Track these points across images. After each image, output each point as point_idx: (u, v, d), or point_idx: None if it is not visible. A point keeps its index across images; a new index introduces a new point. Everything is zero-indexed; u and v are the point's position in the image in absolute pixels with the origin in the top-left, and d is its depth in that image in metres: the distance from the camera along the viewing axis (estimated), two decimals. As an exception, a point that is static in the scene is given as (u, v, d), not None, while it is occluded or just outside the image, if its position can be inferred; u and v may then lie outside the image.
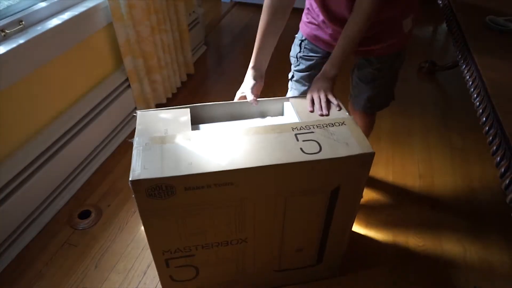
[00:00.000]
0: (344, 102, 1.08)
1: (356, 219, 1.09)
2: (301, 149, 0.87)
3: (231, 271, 1.12)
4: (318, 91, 1.03)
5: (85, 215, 1.47)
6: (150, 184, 0.80)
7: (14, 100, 1.29)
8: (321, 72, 1.06)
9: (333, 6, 1.05)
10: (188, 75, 2.31)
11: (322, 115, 0.99)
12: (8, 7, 1.33)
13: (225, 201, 0.89)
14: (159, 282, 1.09)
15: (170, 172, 0.80)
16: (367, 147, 0.88)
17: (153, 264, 1.02)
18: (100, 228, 1.43)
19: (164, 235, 0.93)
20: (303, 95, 1.23)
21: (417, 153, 1.78)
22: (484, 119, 1.01)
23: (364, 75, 1.22)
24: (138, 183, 0.80)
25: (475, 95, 1.09)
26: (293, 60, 1.26)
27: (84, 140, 1.58)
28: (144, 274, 1.28)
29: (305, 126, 0.94)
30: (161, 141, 0.88)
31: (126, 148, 1.80)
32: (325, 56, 1.19)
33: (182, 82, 2.23)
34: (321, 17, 1.11)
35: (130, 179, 0.79)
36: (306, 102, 1.04)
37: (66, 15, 1.44)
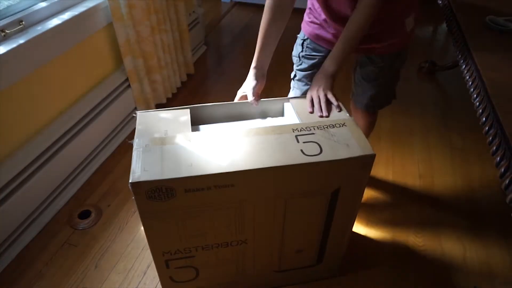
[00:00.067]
0: (346, 100, 1.08)
1: (356, 219, 1.09)
2: (301, 150, 0.87)
3: (231, 272, 1.12)
4: (318, 90, 1.03)
5: (85, 215, 1.48)
6: (150, 186, 0.80)
7: (14, 100, 1.29)
8: (320, 69, 1.05)
9: (335, 5, 1.05)
10: (188, 75, 2.31)
11: (321, 116, 0.99)
12: (8, 7, 1.33)
13: (225, 202, 0.89)
14: (159, 283, 1.09)
15: (170, 174, 0.80)
16: (368, 148, 0.88)
17: (153, 264, 1.02)
18: (100, 228, 1.43)
19: (164, 236, 0.93)
20: (303, 95, 1.23)
21: (417, 153, 1.78)
22: (484, 119, 1.01)
23: (366, 73, 1.22)
24: (138, 185, 0.80)
25: (475, 95, 1.09)
26: (295, 59, 1.26)
27: (84, 140, 1.58)
28: (144, 274, 1.28)
29: (306, 128, 0.94)
30: (161, 142, 0.88)
31: (126, 148, 1.80)
32: (328, 55, 1.20)
33: (182, 82, 2.23)
34: (322, 16, 1.12)
35: (130, 181, 0.79)
36: (306, 102, 1.04)
37: (66, 15, 1.44)
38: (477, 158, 1.73)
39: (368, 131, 1.42)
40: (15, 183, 1.28)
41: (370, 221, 1.45)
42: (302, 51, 1.23)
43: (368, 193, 1.55)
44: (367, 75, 1.22)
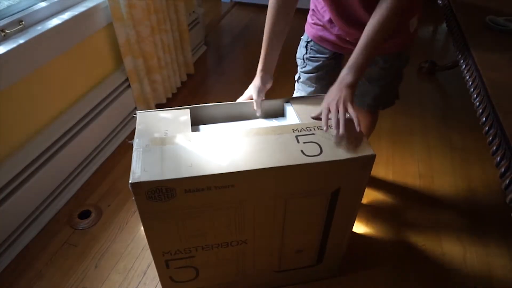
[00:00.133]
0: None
1: (356, 219, 1.09)
2: (301, 151, 0.87)
3: (231, 272, 1.12)
4: (336, 102, 0.92)
5: (85, 215, 1.48)
6: (150, 187, 0.80)
7: (14, 100, 1.29)
8: (337, 80, 0.96)
9: (344, 6, 1.03)
10: (188, 75, 2.31)
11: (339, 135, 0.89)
12: (8, 7, 1.33)
13: (225, 203, 0.89)
14: (159, 282, 1.09)
15: (170, 175, 0.80)
16: (368, 149, 0.88)
17: (153, 264, 1.02)
18: (100, 228, 1.43)
19: (164, 236, 0.93)
20: (304, 96, 1.23)
21: (417, 153, 1.78)
22: (484, 119, 1.01)
23: (369, 74, 1.22)
24: (138, 186, 0.80)
25: (475, 95, 1.09)
26: (299, 61, 1.26)
27: (84, 140, 1.58)
28: (144, 274, 1.28)
29: (306, 128, 0.94)
30: (161, 143, 0.88)
31: (126, 148, 1.80)
32: (332, 57, 1.20)
33: (182, 82, 2.23)
34: (326, 18, 1.11)
35: (130, 181, 0.79)
36: (310, 106, 1.02)
37: (66, 15, 1.44)
38: (477, 158, 1.73)
39: (369, 131, 1.42)
40: (15, 183, 1.28)
41: (370, 221, 1.45)
42: (306, 53, 1.23)
43: (368, 193, 1.55)
44: (370, 76, 1.22)
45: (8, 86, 1.24)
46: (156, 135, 0.91)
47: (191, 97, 2.18)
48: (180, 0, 2.01)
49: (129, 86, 1.82)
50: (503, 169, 0.88)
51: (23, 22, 1.31)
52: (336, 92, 0.94)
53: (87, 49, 1.58)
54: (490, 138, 0.96)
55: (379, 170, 1.66)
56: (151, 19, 1.75)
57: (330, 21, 1.10)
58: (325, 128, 0.92)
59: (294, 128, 0.94)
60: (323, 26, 1.15)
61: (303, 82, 1.26)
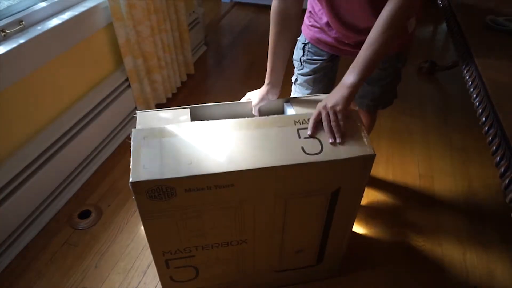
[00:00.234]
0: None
1: (356, 219, 1.09)
2: (302, 148, 0.87)
3: (231, 272, 1.12)
4: (327, 106, 0.89)
5: (85, 215, 1.48)
6: (150, 186, 0.80)
7: (14, 100, 1.29)
8: (341, 81, 0.93)
9: (343, 10, 1.02)
10: (188, 75, 2.31)
11: (333, 143, 0.88)
12: (8, 7, 1.33)
13: (225, 202, 0.89)
14: (159, 282, 1.09)
15: (171, 174, 0.80)
16: (368, 148, 0.88)
17: (153, 264, 1.02)
18: (100, 228, 1.43)
19: (164, 236, 0.93)
20: (304, 96, 1.23)
21: (417, 152, 1.78)
22: (484, 119, 1.01)
23: None
24: (139, 185, 0.80)
25: (475, 95, 1.09)
26: (296, 63, 1.25)
27: (84, 140, 1.58)
28: (144, 274, 1.28)
29: (307, 119, 0.92)
30: (160, 135, 0.87)
31: (126, 148, 1.80)
32: (329, 59, 1.19)
33: (182, 82, 2.23)
34: (323, 21, 1.09)
35: (130, 180, 0.79)
36: (310, 106, 1.01)
37: (66, 15, 1.44)
38: (477, 158, 1.73)
39: (369, 130, 1.42)
40: (15, 183, 1.29)
41: (370, 221, 1.45)
42: (303, 55, 1.22)
43: (368, 193, 1.55)
44: (369, 78, 1.22)
45: (8, 86, 1.24)
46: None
47: (191, 97, 2.18)
48: (180, 0, 2.01)
49: (129, 86, 1.82)
50: (503, 169, 0.88)
51: (23, 22, 1.31)
52: (335, 92, 0.91)
53: (87, 49, 1.58)
54: (490, 138, 0.96)
55: (379, 170, 1.66)
56: (151, 19, 1.75)
57: (327, 23, 1.09)
58: (309, 131, 0.89)
59: (296, 120, 0.92)
60: (320, 28, 1.13)
61: (300, 85, 1.26)
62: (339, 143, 0.88)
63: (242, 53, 2.66)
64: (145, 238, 0.93)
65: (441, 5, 1.65)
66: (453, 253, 1.34)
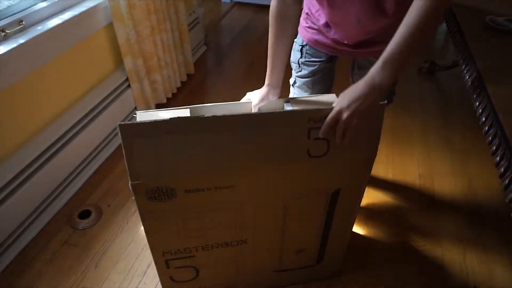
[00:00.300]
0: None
1: (356, 219, 1.09)
2: (307, 150, 0.84)
3: (231, 272, 1.12)
4: (348, 109, 0.77)
5: (85, 215, 1.48)
6: (150, 187, 0.80)
7: (14, 100, 1.29)
8: (367, 75, 0.80)
9: (343, 11, 1.00)
10: (188, 75, 2.31)
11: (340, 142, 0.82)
12: (8, 7, 1.33)
13: (225, 203, 0.89)
14: (159, 282, 1.09)
15: (171, 175, 0.80)
16: (369, 148, 0.88)
17: (153, 264, 1.02)
18: (100, 228, 1.43)
19: (164, 236, 0.93)
20: (304, 96, 1.23)
21: (417, 152, 1.78)
22: (484, 119, 1.01)
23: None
24: (139, 186, 0.80)
25: (475, 95, 1.09)
26: (294, 65, 1.24)
27: (84, 140, 1.58)
28: (144, 274, 1.28)
29: (323, 118, 0.80)
30: (154, 133, 0.81)
31: (126, 148, 1.80)
32: (328, 60, 1.18)
33: (182, 82, 2.23)
34: (321, 22, 1.09)
35: (130, 182, 0.79)
36: (310, 107, 1.00)
37: (66, 15, 1.44)
38: (477, 158, 1.73)
39: None
40: (15, 183, 1.28)
41: (370, 221, 1.45)
42: (301, 57, 1.20)
43: (368, 193, 1.55)
44: None
45: (8, 86, 1.24)
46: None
47: (191, 97, 2.18)
48: (180, 0, 2.01)
49: (129, 86, 1.82)
50: (503, 169, 0.88)
51: (23, 22, 1.31)
52: (361, 91, 0.78)
53: (87, 49, 1.58)
54: (490, 138, 0.96)
55: (379, 170, 1.66)
56: (151, 19, 1.75)
57: (325, 25, 1.08)
58: (321, 135, 0.81)
59: (310, 117, 0.81)
60: (318, 30, 1.12)
61: (299, 87, 1.25)
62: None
63: (242, 53, 2.66)
64: (145, 238, 0.93)
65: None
66: (453, 253, 1.34)
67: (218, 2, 3.45)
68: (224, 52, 2.69)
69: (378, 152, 0.90)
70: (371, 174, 0.95)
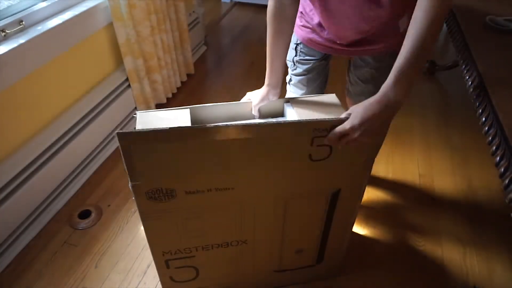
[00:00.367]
0: (342, 97, 1.07)
1: (356, 219, 1.09)
2: (309, 155, 0.84)
3: (231, 272, 1.12)
4: (361, 127, 0.74)
5: (85, 215, 1.48)
6: (150, 187, 0.80)
7: (14, 100, 1.29)
8: (378, 93, 0.77)
9: (335, 11, 1.01)
10: (188, 75, 2.31)
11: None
12: (8, 7, 1.33)
13: (225, 204, 0.89)
14: (159, 282, 1.09)
15: (171, 176, 0.80)
16: (371, 150, 0.88)
17: (153, 264, 1.02)
18: (100, 228, 1.43)
19: (164, 236, 0.93)
20: (305, 96, 1.23)
21: (417, 152, 1.78)
22: (483, 119, 1.01)
23: (362, 74, 1.22)
24: (139, 186, 0.80)
25: (475, 95, 1.09)
26: (289, 64, 1.25)
27: (84, 140, 1.58)
28: (144, 274, 1.28)
29: (328, 129, 0.79)
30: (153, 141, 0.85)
31: (126, 148, 1.80)
32: (322, 58, 1.19)
33: (182, 82, 2.23)
34: (315, 21, 1.09)
35: (130, 182, 0.79)
36: (310, 107, 1.00)
37: (66, 15, 1.44)
38: (477, 158, 1.73)
39: None
40: (15, 183, 1.29)
41: (370, 221, 1.45)
42: (296, 56, 1.21)
43: (368, 193, 1.55)
44: (363, 76, 1.22)
45: (8, 86, 1.24)
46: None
47: (191, 97, 2.18)
48: (180, 0, 2.01)
49: (129, 86, 1.82)
50: (502, 169, 0.88)
51: (23, 22, 1.31)
52: (375, 110, 0.75)
53: (87, 49, 1.58)
54: (490, 138, 0.96)
55: (379, 170, 1.66)
56: (151, 19, 1.75)
57: (319, 24, 1.09)
58: (326, 142, 0.80)
59: (316, 127, 0.79)
60: (312, 29, 1.13)
61: (294, 85, 1.26)
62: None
63: (242, 53, 2.66)
64: (145, 238, 0.93)
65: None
66: (453, 253, 1.34)
67: (218, 2, 3.45)
68: (224, 52, 2.69)
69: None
70: (371, 174, 0.95)
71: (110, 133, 1.76)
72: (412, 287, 1.25)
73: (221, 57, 2.64)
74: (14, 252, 1.33)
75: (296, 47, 1.21)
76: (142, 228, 0.96)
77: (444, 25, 1.56)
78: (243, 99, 1.10)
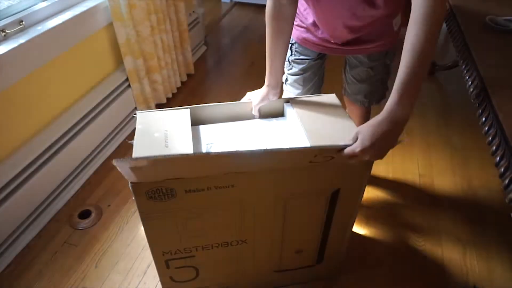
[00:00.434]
0: (340, 96, 1.07)
1: (356, 219, 1.09)
2: (310, 160, 0.85)
3: (231, 272, 1.12)
4: (373, 147, 0.75)
5: (85, 215, 1.48)
6: (150, 187, 0.80)
7: (14, 100, 1.29)
8: (384, 111, 0.76)
9: (328, 11, 1.01)
10: (188, 75, 2.31)
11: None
12: (8, 7, 1.33)
13: (225, 203, 0.89)
14: (159, 282, 1.09)
15: (170, 175, 0.80)
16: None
17: (153, 264, 1.02)
18: (100, 228, 1.43)
19: (164, 236, 0.93)
20: (302, 95, 1.23)
21: (417, 152, 1.78)
22: (483, 119, 1.01)
23: (357, 74, 1.22)
24: (138, 186, 0.80)
25: (475, 95, 1.09)
26: (285, 63, 1.25)
27: (84, 140, 1.58)
28: (144, 274, 1.28)
29: (326, 155, 0.80)
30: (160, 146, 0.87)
31: (126, 148, 1.81)
32: (318, 57, 1.20)
33: (182, 82, 2.23)
34: (309, 21, 1.09)
35: (130, 182, 0.79)
36: (310, 107, 1.00)
37: (66, 15, 1.44)
38: (477, 158, 1.73)
39: (364, 122, 1.43)
40: (15, 183, 1.28)
41: (370, 221, 1.45)
42: (291, 55, 1.22)
43: (368, 193, 1.55)
44: (359, 76, 1.22)
45: (8, 86, 1.24)
46: (156, 134, 0.91)
47: (191, 97, 2.18)
48: (180, 0, 2.01)
49: (129, 86, 1.82)
50: (502, 169, 0.88)
51: (23, 22, 1.31)
52: (384, 129, 0.75)
53: (87, 49, 1.58)
54: (490, 138, 0.96)
55: (379, 170, 1.66)
56: (151, 19, 1.75)
57: (314, 23, 1.09)
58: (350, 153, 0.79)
59: (311, 159, 0.80)
60: (306, 28, 1.13)
61: (290, 84, 1.26)
62: None
63: (242, 53, 2.66)
64: (145, 238, 0.93)
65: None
66: (453, 252, 1.34)
67: (218, 2, 3.45)
68: (224, 52, 2.69)
69: (378, 152, 0.90)
70: (371, 174, 0.95)
71: (110, 133, 1.76)
72: (412, 287, 1.25)
73: (221, 57, 2.64)
74: (14, 252, 1.33)
75: (291, 47, 1.21)
76: (142, 228, 0.96)
77: (444, 25, 1.56)
78: (243, 99, 1.10)
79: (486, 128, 0.99)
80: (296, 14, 1.14)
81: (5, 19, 1.27)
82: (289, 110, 1.06)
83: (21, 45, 1.23)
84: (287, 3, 0.97)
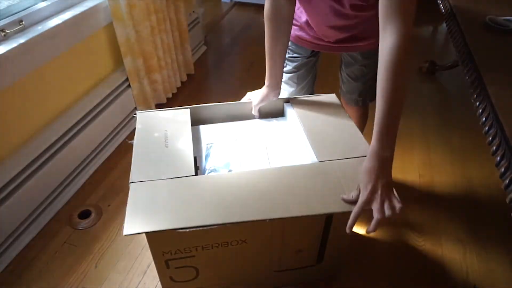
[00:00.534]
0: (338, 96, 1.07)
1: (356, 219, 1.09)
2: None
3: (231, 272, 1.12)
4: (378, 191, 0.85)
5: (85, 215, 1.48)
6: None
7: (14, 100, 1.29)
8: (369, 153, 0.85)
9: (317, 11, 1.01)
10: (188, 75, 2.31)
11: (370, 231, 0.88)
12: (8, 7, 1.33)
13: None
14: (159, 282, 1.09)
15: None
16: (367, 149, 0.88)
17: (153, 264, 1.02)
18: (100, 228, 1.43)
19: (164, 236, 0.93)
20: (301, 95, 1.23)
21: (417, 152, 1.78)
22: (484, 119, 1.01)
23: (352, 72, 1.23)
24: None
25: (475, 95, 1.09)
26: None
27: (84, 140, 1.58)
28: (144, 274, 1.28)
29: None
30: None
31: (126, 148, 1.80)
32: (311, 55, 1.20)
33: (182, 82, 2.23)
34: (303, 19, 1.10)
35: (130, 181, 0.79)
36: (310, 107, 1.02)
37: (66, 15, 1.44)
38: (477, 158, 1.73)
39: (362, 123, 1.43)
40: (15, 183, 1.28)
41: (370, 221, 1.45)
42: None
43: (368, 193, 1.55)
44: (353, 74, 1.23)
45: (8, 86, 1.24)
46: (156, 134, 0.91)
47: (191, 97, 2.18)
48: (180, 0, 2.01)
49: (129, 86, 1.82)
50: (503, 169, 0.88)
51: (23, 22, 1.31)
52: (375, 167, 0.83)
53: (87, 49, 1.58)
54: (490, 138, 0.96)
55: (379, 170, 1.66)
56: (151, 19, 1.75)
57: (307, 22, 1.09)
58: (348, 230, 0.87)
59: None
60: (300, 26, 1.14)
61: (285, 82, 1.26)
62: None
63: (242, 53, 2.66)
64: (145, 238, 0.93)
65: (441, 5, 1.65)
66: (453, 252, 1.34)
67: (218, 2, 3.45)
68: (224, 52, 2.69)
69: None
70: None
71: (110, 133, 1.76)
72: (412, 287, 1.25)
73: (221, 57, 2.64)
74: (14, 252, 1.33)
75: None
76: (142, 228, 0.96)
77: (444, 25, 1.55)
78: (243, 99, 1.10)
79: (486, 128, 0.98)
80: None
81: (5, 19, 1.27)
82: (289, 110, 1.06)
83: (21, 45, 1.23)
84: (285, 3, 0.97)
